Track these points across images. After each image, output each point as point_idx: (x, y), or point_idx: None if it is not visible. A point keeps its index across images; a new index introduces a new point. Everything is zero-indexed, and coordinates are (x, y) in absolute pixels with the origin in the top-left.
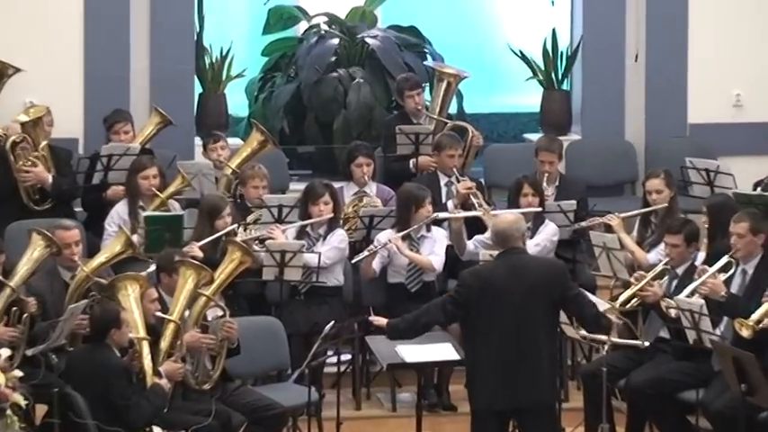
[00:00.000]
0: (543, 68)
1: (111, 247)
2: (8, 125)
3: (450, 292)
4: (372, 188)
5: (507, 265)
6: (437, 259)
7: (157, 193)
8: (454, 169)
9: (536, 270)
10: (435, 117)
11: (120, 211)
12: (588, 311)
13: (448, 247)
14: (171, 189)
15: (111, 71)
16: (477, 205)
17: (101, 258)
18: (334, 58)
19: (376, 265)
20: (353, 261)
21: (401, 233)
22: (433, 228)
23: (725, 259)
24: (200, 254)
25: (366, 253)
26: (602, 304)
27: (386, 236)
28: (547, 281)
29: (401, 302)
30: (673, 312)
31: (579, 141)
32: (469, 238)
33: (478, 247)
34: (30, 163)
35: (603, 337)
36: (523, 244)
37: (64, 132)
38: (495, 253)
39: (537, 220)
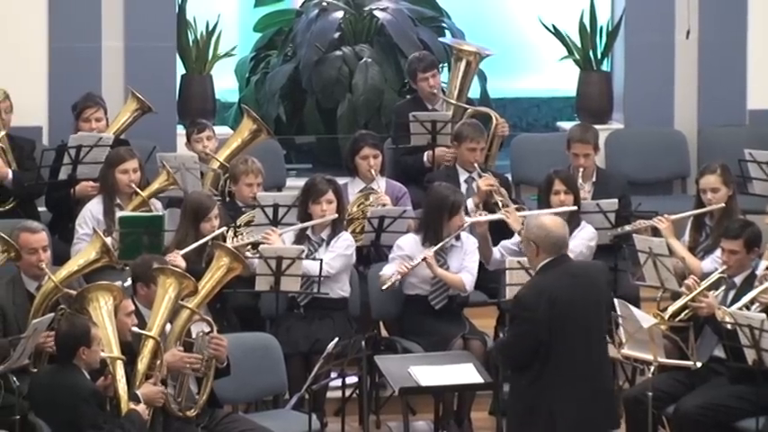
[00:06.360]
0: (580, 46)
1: (85, 253)
2: None
3: (514, 328)
4: (381, 184)
5: (567, 274)
6: (469, 278)
7: (137, 190)
8: (476, 164)
9: (596, 275)
10: (453, 102)
11: (93, 210)
12: None
13: None
14: (154, 186)
15: (79, 49)
16: (500, 204)
17: (72, 266)
18: (337, 35)
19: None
20: (383, 288)
21: (434, 247)
22: (462, 235)
23: None
24: (182, 263)
25: (397, 276)
26: (647, 319)
27: (408, 243)
28: (605, 285)
29: (418, 317)
30: (729, 326)
31: (621, 131)
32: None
33: (505, 254)
34: None
35: (649, 357)
36: None
37: (25, 120)
38: (525, 260)
39: (572, 222)
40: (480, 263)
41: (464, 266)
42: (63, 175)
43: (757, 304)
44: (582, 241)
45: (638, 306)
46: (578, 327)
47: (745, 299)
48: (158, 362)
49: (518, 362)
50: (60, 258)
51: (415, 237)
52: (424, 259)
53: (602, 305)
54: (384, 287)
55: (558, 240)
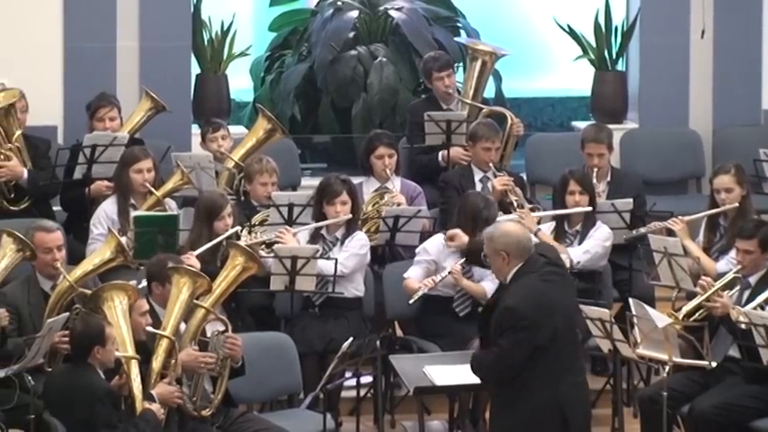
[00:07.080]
0: (595, 46)
1: (100, 252)
2: None
3: (510, 338)
4: (396, 183)
5: (543, 274)
6: (491, 287)
7: (152, 189)
8: (490, 163)
9: (562, 265)
10: (468, 102)
11: (107, 209)
12: None
13: None
14: (168, 186)
15: (94, 49)
16: (515, 204)
17: (87, 266)
18: (352, 34)
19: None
20: (410, 303)
21: (462, 259)
22: None
23: None
24: (196, 264)
25: (425, 290)
26: (662, 319)
27: (435, 247)
28: (568, 272)
29: (437, 317)
30: (743, 326)
31: (636, 130)
32: None
33: None
34: (2, 156)
35: (664, 357)
36: None
37: (41, 120)
38: None
39: (587, 222)
40: None
41: (487, 274)
42: (78, 174)
43: None
44: (597, 241)
45: (653, 306)
46: (567, 323)
47: (760, 299)
48: (173, 361)
49: (513, 371)
50: (75, 258)
51: (442, 241)
52: (451, 272)
53: (575, 294)
54: (411, 301)
55: (527, 244)
